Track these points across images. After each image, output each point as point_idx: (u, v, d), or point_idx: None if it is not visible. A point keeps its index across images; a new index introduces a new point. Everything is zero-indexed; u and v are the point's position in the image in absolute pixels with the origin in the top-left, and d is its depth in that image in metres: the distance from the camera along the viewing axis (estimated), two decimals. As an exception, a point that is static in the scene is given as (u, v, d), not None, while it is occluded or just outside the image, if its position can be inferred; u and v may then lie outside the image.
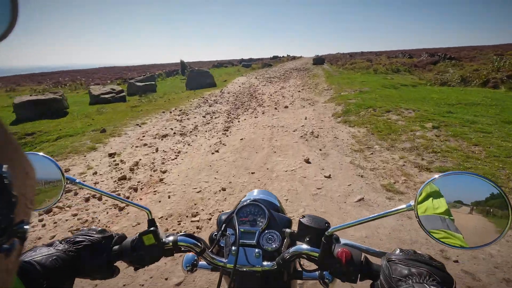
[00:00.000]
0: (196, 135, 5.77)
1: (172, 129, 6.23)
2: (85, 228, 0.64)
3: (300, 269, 0.77)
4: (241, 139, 5.41)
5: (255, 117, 7.18)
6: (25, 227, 0.26)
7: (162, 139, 5.53)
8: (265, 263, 0.65)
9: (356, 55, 37.87)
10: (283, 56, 59.54)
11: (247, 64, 33.23)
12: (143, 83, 12.58)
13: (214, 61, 45.18)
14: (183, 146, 5.12)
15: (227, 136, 5.66)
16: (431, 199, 0.53)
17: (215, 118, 7.28)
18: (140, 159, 4.45)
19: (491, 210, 0.48)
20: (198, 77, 13.57)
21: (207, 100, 9.86)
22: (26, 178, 0.27)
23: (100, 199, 3.26)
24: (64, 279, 0.52)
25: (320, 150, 4.66)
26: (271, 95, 10.67)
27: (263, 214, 0.75)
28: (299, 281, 0.89)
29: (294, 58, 59.52)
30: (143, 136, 5.73)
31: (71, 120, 7.65)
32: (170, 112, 8.02)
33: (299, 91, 11.37)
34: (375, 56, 34.18)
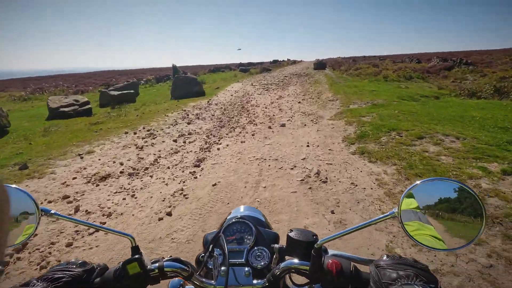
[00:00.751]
0: (151, 176, 4.04)
1: (122, 163, 4.49)
2: (63, 262, 0.59)
3: (290, 285, 0.72)
4: (214, 184, 3.69)
5: (241, 142, 5.46)
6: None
7: (97, 185, 3.79)
8: (255, 281, 0.64)
9: (359, 60, 36.28)
10: (283, 60, 58.04)
11: (245, 69, 31.62)
12: (119, 92, 10.87)
13: (211, 65, 43.69)
14: (123, 199, 3.38)
15: (196, 177, 3.94)
16: (413, 205, 0.54)
17: (189, 143, 5.56)
18: (35, 235, 2.72)
19: (468, 214, 0.50)
20: (184, 84, 11.88)
21: (188, 115, 8.15)
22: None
23: None
24: None
25: (332, 212, 2.93)
26: (266, 108, 8.97)
27: (250, 231, 0.73)
28: None
29: (294, 62, 58.05)
30: (74, 178, 3.99)
31: (3, 144, 5.94)
32: (134, 133, 6.30)
33: (299, 102, 9.68)
34: (379, 60, 32.59)
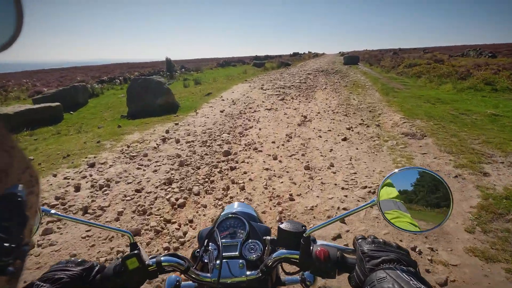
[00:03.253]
0: None
1: None
2: (63, 260, 0.60)
3: (283, 275, 0.79)
4: None
5: None
6: (27, 249, 0.25)
7: None
8: (249, 272, 0.65)
9: (400, 52, 30.04)
10: (303, 53, 52.10)
11: (260, 63, 26.49)
12: (26, 108, 6.28)
13: (222, 58, 38.74)
14: None
15: None
16: (391, 191, 0.58)
17: None
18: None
19: (439, 199, 0.55)
20: (142, 93, 7.10)
21: (64, 198, 3.33)
22: (34, 197, 0.26)
23: None
24: None
25: None
26: (274, 157, 4.08)
27: (243, 226, 0.76)
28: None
29: (316, 55, 52.09)
30: None
31: None
32: None
33: (344, 139, 4.67)
34: (424, 53, 26.41)
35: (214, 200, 3.02)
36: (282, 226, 0.66)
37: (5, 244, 0.21)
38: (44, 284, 0.50)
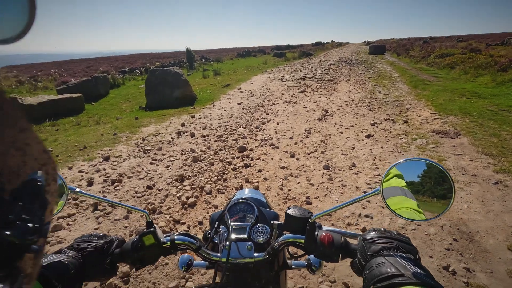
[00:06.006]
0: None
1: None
2: (86, 234, 0.65)
3: (289, 260, 0.82)
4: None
5: None
6: (48, 227, 0.27)
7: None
8: (256, 254, 0.67)
9: (430, 41, 28.20)
10: (326, 42, 50.42)
11: (280, 53, 25.88)
12: (49, 99, 6.41)
13: (241, 48, 38.27)
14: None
15: None
16: (396, 181, 0.59)
17: None
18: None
19: (442, 188, 0.56)
20: (160, 85, 7.03)
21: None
22: (53, 183, 0.29)
23: None
24: (75, 283, 0.53)
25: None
26: (292, 155, 3.86)
27: (252, 211, 0.78)
28: (289, 271, 0.91)
29: (340, 44, 50.26)
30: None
31: None
32: None
33: (367, 136, 4.38)
34: (457, 42, 24.58)
35: (226, 200, 2.87)
36: (289, 211, 0.68)
37: (29, 225, 0.23)
38: (69, 251, 0.56)
